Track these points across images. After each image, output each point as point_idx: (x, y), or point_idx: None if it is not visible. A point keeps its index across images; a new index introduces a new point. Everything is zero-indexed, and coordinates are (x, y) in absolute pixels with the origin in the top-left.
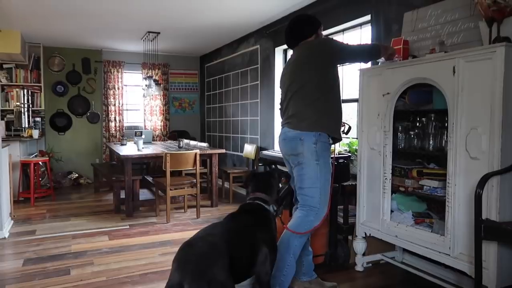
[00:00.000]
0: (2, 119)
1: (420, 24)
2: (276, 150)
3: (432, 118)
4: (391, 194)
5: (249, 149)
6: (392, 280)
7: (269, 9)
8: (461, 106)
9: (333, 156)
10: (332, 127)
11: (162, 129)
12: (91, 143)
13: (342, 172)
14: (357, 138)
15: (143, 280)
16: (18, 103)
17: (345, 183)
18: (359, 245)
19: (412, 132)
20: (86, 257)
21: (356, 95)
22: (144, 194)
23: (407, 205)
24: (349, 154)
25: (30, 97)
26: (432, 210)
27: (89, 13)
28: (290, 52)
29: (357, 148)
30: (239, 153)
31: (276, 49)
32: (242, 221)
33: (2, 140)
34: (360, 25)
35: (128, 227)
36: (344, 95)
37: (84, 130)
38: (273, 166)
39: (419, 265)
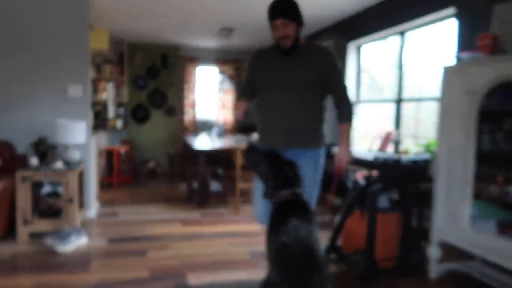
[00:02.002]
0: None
1: None
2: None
3: None
4: (472, 200)
5: None
6: None
7: (343, 4)
8: None
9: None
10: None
11: (233, 123)
12: (167, 134)
13: (418, 173)
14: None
15: (212, 268)
16: (105, 95)
17: (421, 186)
18: (433, 251)
19: (498, 134)
20: (161, 241)
21: (434, 94)
22: (215, 186)
23: (490, 213)
24: (427, 155)
25: (115, 90)
26: None
27: (169, 10)
28: (363, 48)
29: (435, 149)
30: None
31: (350, 44)
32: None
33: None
34: (443, 18)
35: (199, 216)
36: (422, 93)
37: (161, 122)
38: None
39: (500, 278)
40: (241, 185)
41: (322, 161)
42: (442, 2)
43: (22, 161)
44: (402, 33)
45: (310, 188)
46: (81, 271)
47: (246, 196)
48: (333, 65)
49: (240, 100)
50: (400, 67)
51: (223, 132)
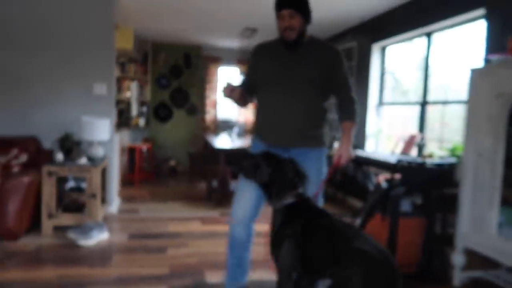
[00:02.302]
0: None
1: None
2: (367, 151)
3: None
4: (500, 206)
5: None
6: None
7: (370, 3)
8: None
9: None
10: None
11: (254, 123)
12: (188, 133)
13: (443, 178)
14: (461, 143)
15: None
16: (129, 94)
17: (445, 190)
18: (457, 259)
19: None
20: (180, 238)
21: (461, 96)
22: (234, 185)
23: None
24: (452, 159)
25: (139, 89)
26: None
27: (193, 10)
28: (388, 49)
29: (461, 153)
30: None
31: (374, 45)
32: None
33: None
34: (471, 20)
35: (219, 215)
36: (448, 96)
37: (183, 121)
38: (365, 167)
39: None
40: None
41: (325, 161)
42: (470, 3)
43: (48, 156)
44: (428, 35)
45: (315, 189)
46: (102, 265)
47: None
48: (339, 62)
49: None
50: (426, 69)
51: (244, 131)
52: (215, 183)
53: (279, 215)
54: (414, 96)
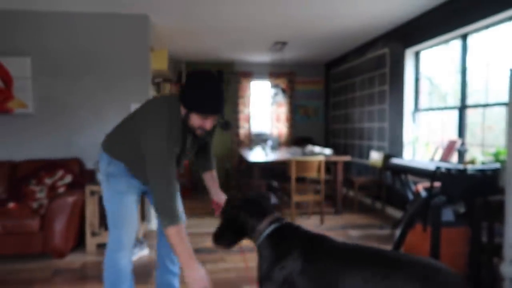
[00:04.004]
0: None
1: None
2: (405, 159)
3: None
4: None
5: (375, 157)
6: None
7: (402, 9)
8: None
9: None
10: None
11: (287, 136)
12: (223, 148)
13: (487, 184)
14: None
15: None
16: None
17: (489, 197)
18: (507, 269)
19: None
20: (218, 254)
21: (502, 98)
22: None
23: None
24: (496, 165)
25: None
26: None
27: (225, 27)
28: (422, 55)
29: (505, 158)
30: (364, 161)
31: (407, 51)
32: None
33: None
34: (508, 19)
35: None
36: (488, 98)
37: (217, 137)
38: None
39: None
40: (296, 197)
41: None
42: (507, 2)
43: (90, 177)
44: (464, 36)
45: None
46: (143, 281)
47: (301, 209)
48: None
49: None
50: (464, 72)
51: (277, 144)
52: None
53: (265, 249)
54: (453, 101)
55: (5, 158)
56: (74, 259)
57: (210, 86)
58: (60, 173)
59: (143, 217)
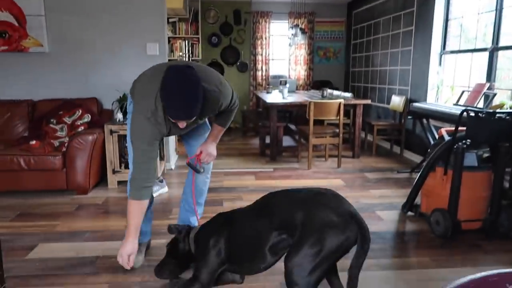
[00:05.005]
0: None
1: None
2: (428, 103)
3: None
4: None
5: (397, 101)
6: None
7: None
8: None
9: None
10: None
11: (306, 79)
12: (240, 90)
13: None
14: None
15: None
16: (180, 54)
17: None
18: None
19: None
20: (235, 192)
21: None
22: (287, 141)
23: None
24: None
25: (190, 48)
26: None
27: None
28: None
29: None
30: (384, 105)
31: None
32: None
33: None
34: None
35: (272, 170)
36: (503, 41)
37: (234, 79)
38: (424, 120)
39: None
40: (313, 140)
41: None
42: None
43: (109, 116)
44: None
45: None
46: (163, 216)
47: (318, 151)
48: None
49: None
50: (499, 10)
51: (296, 87)
52: (268, 139)
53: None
54: (482, 44)
55: (24, 97)
56: (96, 195)
57: (182, 93)
58: (79, 112)
59: (163, 156)
